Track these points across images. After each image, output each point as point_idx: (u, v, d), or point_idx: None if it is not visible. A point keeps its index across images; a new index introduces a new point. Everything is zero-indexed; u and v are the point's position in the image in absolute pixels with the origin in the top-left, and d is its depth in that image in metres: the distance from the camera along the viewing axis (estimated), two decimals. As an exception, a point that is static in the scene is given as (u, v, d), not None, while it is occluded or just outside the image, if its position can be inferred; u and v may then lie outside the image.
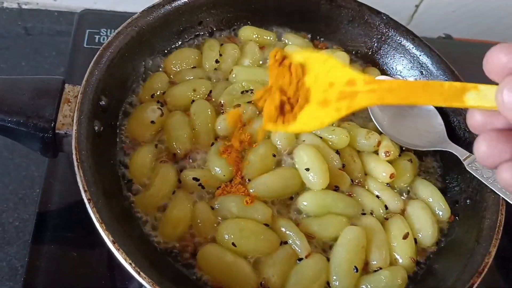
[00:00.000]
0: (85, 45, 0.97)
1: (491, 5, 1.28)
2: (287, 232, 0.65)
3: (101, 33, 0.99)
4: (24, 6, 1.10)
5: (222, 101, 0.74)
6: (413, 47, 0.82)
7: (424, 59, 0.81)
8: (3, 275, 0.75)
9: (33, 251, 0.74)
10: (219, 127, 0.72)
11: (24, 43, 1.05)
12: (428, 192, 0.72)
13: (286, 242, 0.64)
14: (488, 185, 0.66)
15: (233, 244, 0.62)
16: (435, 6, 1.27)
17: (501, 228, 0.64)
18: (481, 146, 0.43)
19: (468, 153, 0.70)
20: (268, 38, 0.86)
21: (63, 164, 0.83)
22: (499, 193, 0.65)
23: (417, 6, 1.26)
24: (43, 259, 0.74)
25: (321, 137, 0.73)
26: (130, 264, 0.53)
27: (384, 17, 0.84)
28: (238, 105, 0.74)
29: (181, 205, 0.65)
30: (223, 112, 0.73)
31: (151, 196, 0.65)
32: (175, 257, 0.63)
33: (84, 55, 0.95)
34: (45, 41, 1.05)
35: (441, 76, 0.79)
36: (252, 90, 0.75)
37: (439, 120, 0.76)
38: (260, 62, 0.83)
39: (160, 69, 0.79)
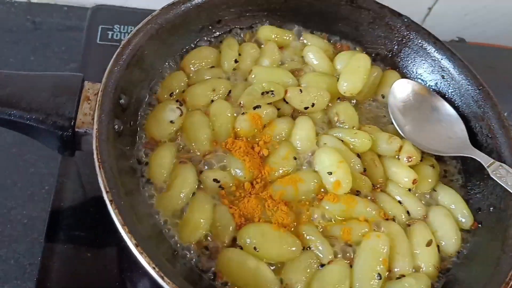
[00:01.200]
0: (98, 41, 0.95)
1: (504, 9, 1.27)
2: (310, 237, 0.63)
3: (114, 29, 0.98)
4: (32, 0, 1.08)
5: (242, 102, 0.73)
6: (434, 51, 0.81)
7: (446, 63, 0.80)
8: (11, 273, 0.74)
9: (46, 250, 0.73)
10: (239, 128, 0.71)
11: (33, 37, 1.03)
12: (451, 198, 0.71)
13: (308, 247, 0.63)
14: None
15: (254, 248, 0.61)
16: (448, 9, 1.26)
17: (528, 238, 0.63)
18: None
19: (492, 160, 0.69)
20: (287, 38, 0.84)
21: (76, 163, 0.81)
22: None
23: (430, 9, 1.25)
24: (56, 258, 0.73)
25: (342, 140, 0.72)
26: (154, 268, 0.52)
27: (405, 20, 0.82)
28: (259, 106, 0.72)
29: (201, 207, 0.64)
30: (243, 113, 0.72)
31: (171, 197, 0.64)
32: (195, 260, 0.62)
33: (97, 51, 0.94)
34: (55, 36, 1.04)
35: (463, 81, 0.78)
36: (272, 91, 0.74)
37: (461, 125, 0.75)
38: (279, 63, 0.82)
39: (179, 68, 0.77)
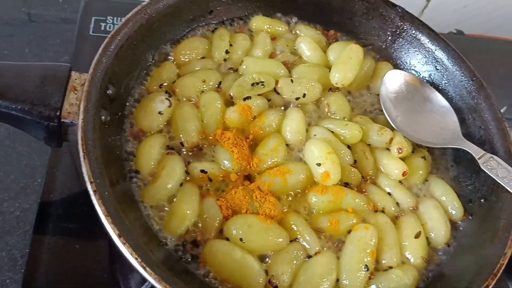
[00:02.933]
0: (91, 33, 0.95)
1: (503, 1, 1.26)
2: (297, 228, 0.63)
3: (108, 21, 0.97)
4: (28, -7, 1.08)
5: (231, 93, 0.72)
6: (428, 41, 0.80)
7: (440, 54, 0.79)
8: (3, 265, 0.74)
9: (34, 242, 0.73)
10: (228, 119, 0.70)
11: (28, 30, 1.03)
12: (441, 190, 0.71)
13: (295, 239, 0.63)
14: (504, 185, 0.64)
15: (241, 239, 0.60)
16: (446, 1, 1.24)
17: (518, 229, 0.62)
18: None
19: (483, 152, 0.68)
20: (280, 29, 0.83)
21: (66, 154, 0.81)
22: None
23: (428, 1, 1.24)
24: (45, 250, 0.73)
25: (332, 132, 0.72)
26: (136, 259, 0.52)
27: (400, 10, 0.81)
28: (249, 98, 0.72)
29: (188, 199, 0.63)
30: (233, 105, 0.71)
31: (158, 188, 0.64)
32: (181, 251, 0.62)
33: (90, 43, 0.94)
34: (50, 29, 1.03)
35: (456, 72, 0.77)
36: (262, 82, 0.73)
37: (453, 117, 0.75)
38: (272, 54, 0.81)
39: (169, 59, 0.77)
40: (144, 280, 0.63)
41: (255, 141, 0.70)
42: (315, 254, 0.62)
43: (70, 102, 0.62)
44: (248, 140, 0.69)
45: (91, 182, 0.55)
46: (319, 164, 0.66)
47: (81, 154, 0.56)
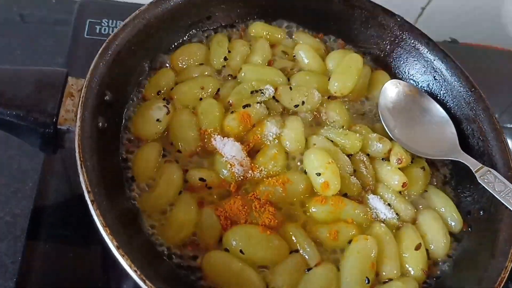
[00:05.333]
0: (85, 36, 0.93)
1: (497, 10, 1.27)
2: (297, 239, 0.62)
3: (103, 24, 0.95)
4: (20, -8, 1.06)
5: (231, 101, 0.71)
6: (427, 51, 0.80)
7: (438, 64, 0.79)
8: (-8, 272, 0.72)
9: (27, 249, 0.71)
10: (228, 127, 0.69)
11: (20, 31, 1.01)
12: (441, 201, 0.70)
13: (295, 250, 0.62)
14: (500, 199, 0.64)
15: (240, 251, 0.59)
16: (441, 10, 1.25)
17: (518, 242, 0.62)
18: None
19: (481, 165, 0.68)
20: (279, 36, 0.83)
21: (59, 160, 0.80)
22: (511, 208, 0.63)
23: (423, 9, 1.25)
24: (37, 257, 0.71)
25: (332, 141, 0.71)
26: (135, 271, 0.50)
27: (399, 19, 0.81)
28: (248, 105, 0.71)
29: (186, 208, 0.62)
30: (232, 112, 0.70)
31: (156, 197, 0.63)
32: (180, 263, 0.60)
33: (85, 46, 0.92)
34: (42, 30, 1.02)
35: (455, 82, 0.77)
36: (262, 90, 0.72)
37: (451, 128, 0.74)
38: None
39: (167, 65, 0.76)
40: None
41: (254, 149, 0.69)
42: (315, 265, 0.61)
43: (66, 109, 0.60)
44: (247, 148, 0.69)
45: (88, 192, 0.53)
46: (318, 174, 0.66)
47: (78, 162, 0.55)
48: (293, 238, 0.62)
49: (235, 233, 0.61)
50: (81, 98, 0.59)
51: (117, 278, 0.72)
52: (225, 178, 0.66)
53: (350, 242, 0.63)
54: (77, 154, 0.55)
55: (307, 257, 0.62)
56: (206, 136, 0.68)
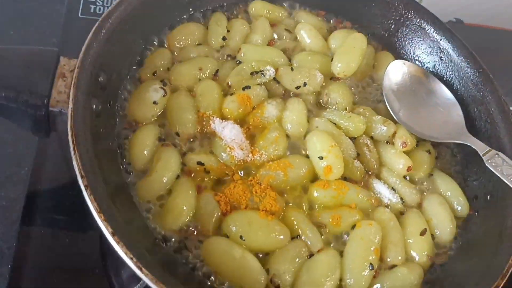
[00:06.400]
0: (79, 15, 0.90)
1: (502, -10, 1.23)
2: (298, 225, 0.60)
3: (97, 3, 0.92)
4: (12, -30, 1.02)
5: (230, 82, 0.69)
6: (433, 31, 0.77)
7: (445, 44, 0.76)
8: (-12, 257, 0.70)
9: (21, 235, 0.69)
10: (227, 109, 0.67)
11: (12, 11, 0.98)
12: (447, 185, 0.69)
13: (297, 236, 0.60)
14: (508, 183, 0.62)
15: (241, 237, 0.57)
16: (446, -12, 1.21)
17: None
18: None
19: (488, 148, 0.66)
20: (280, 14, 0.80)
21: (54, 143, 0.77)
22: None
23: (427, -12, 1.21)
24: (33, 243, 0.70)
25: (335, 124, 0.69)
26: (131, 259, 0.49)
27: (404, -3, 0.78)
28: (248, 87, 0.68)
29: (184, 193, 0.60)
30: (231, 94, 0.68)
31: (153, 182, 0.61)
32: (178, 249, 0.59)
33: (79, 26, 0.89)
34: (35, 9, 0.98)
35: (462, 63, 0.75)
36: (262, 71, 0.70)
37: (458, 110, 0.72)
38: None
39: (163, 45, 0.73)
40: (138, 278, 0.61)
41: (253, 133, 0.67)
42: (318, 251, 0.59)
43: (58, 90, 0.58)
44: (247, 131, 0.66)
45: (82, 176, 0.51)
46: (321, 158, 0.63)
47: (71, 145, 0.52)
48: (295, 223, 0.60)
49: (235, 218, 0.59)
50: (73, 79, 0.56)
51: (115, 264, 0.71)
52: (225, 162, 0.63)
53: (353, 227, 0.62)
54: (69, 137, 0.53)
55: (309, 243, 0.60)
56: (204, 119, 0.66)
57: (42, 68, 0.58)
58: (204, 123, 0.66)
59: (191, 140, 0.65)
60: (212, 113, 0.66)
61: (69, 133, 0.53)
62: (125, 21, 0.65)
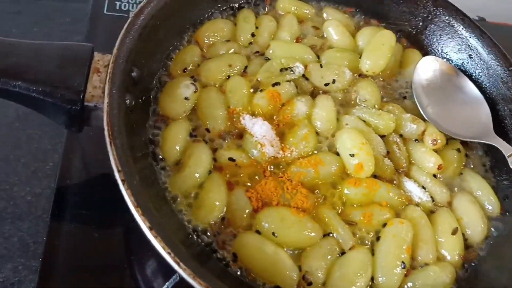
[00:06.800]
0: (105, 12, 0.91)
1: (526, -12, 1.22)
2: (330, 222, 0.60)
3: (122, 0, 0.93)
4: (36, -32, 1.03)
5: (259, 79, 0.69)
6: (462, 28, 0.77)
7: (474, 41, 0.76)
8: (14, 251, 0.71)
9: (51, 230, 0.69)
10: (257, 105, 0.67)
11: (36, 8, 0.98)
12: (477, 184, 0.68)
13: (329, 233, 0.60)
14: None
15: (273, 234, 0.57)
16: (468, -14, 1.20)
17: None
18: None
19: None
20: (307, 11, 0.80)
21: (82, 138, 0.78)
22: None
23: (449, -14, 1.20)
24: (62, 238, 0.70)
25: (364, 121, 0.68)
26: (169, 253, 0.48)
27: (433, -6, 0.78)
28: (277, 83, 0.68)
29: (216, 188, 0.60)
30: (261, 90, 0.68)
31: (186, 177, 0.61)
32: (209, 244, 0.59)
33: (104, 22, 0.90)
34: (57, 7, 0.99)
35: (492, 61, 0.74)
36: (291, 68, 0.69)
37: (485, 109, 0.72)
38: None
39: (192, 41, 0.73)
40: (168, 273, 0.61)
41: (283, 129, 0.67)
42: (350, 249, 0.59)
43: (93, 85, 0.58)
44: (276, 128, 0.66)
45: (119, 171, 0.51)
46: (352, 155, 0.63)
47: (108, 140, 0.53)
48: (326, 221, 0.60)
49: (268, 215, 0.59)
50: (108, 74, 0.56)
51: (141, 260, 0.71)
52: (255, 158, 0.63)
53: (384, 225, 0.61)
54: (106, 132, 0.53)
55: (341, 241, 0.60)
56: (234, 115, 0.66)
57: (76, 63, 0.58)
58: (234, 119, 0.66)
59: (222, 136, 0.65)
60: (242, 109, 0.66)
61: (105, 127, 0.53)
62: (156, 17, 0.65)
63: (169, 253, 0.49)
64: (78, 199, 0.73)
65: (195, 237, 0.58)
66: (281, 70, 0.69)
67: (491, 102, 0.73)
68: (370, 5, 0.82)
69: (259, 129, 0.64)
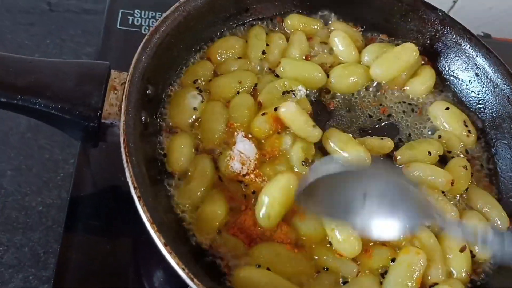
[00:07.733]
0: (118, 26, 0.92)
1: (531, 3, 1.23)
2: (326, 258, 0.61)
3: (135, 15, 0.94)
4: (48, -19, 1.05)
5: (261, 100, 0.69)
6: (469, 47, 0.78)
7: (481, 60, 0.77)
8: (25, 261, 0.72)
9: (65, 241, 0.70)
10: (256, 129, 0.67)
11: (49, 20, 1.00)
12: (484, 200, 0.68)
13: (325, 268, 0.60)
14: None
15: (267, 269, 0.57)
16: (473, 2, 1.22)
17: None
18: None
19: None
20: (316, 27, 0.81)
21: (95, 151, 0.79)
22: None
23: (454, 2, 1.21)
24: (75, 249, 0.70)
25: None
26: (183, 269, 0.50)
27: (440, 14, 0.79)
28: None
29: (217, 200, 0.62)
30: (263, 114, 0.67)
31: (192, 190, 0.62)
32: (213, 257, 0.60)
33: (117, 37, 0.91)
34: (70, 19, 1.01)
35: (498, 79, 0.75)
36: (293, 91, 0.70)
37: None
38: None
39: (205, 58, 0.75)
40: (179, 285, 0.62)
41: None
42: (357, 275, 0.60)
43: (110, 102, 0.60)
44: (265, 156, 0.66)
45: (135, 188, 0.53)
46: None
47: (124, 157, 0.54)
48: (323, 257, 0.60)
49: (262, 250, 0.59)
50: (125, 92, 0.58)
51: (150, 271, 0.72)
52: (219, 167, 0.64)
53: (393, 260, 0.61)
54: (122, 149, 0.54)
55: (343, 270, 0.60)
56: (231, 129, 0.67)
57: (94, 81, 0.60)
58: (229, 133, 0.67)
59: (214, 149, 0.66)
60: (239, 126, 0.67)
61: (122, 145, 0.55)
62: (171, 35, 0.67)
63: (183, 269, 0.50)
64: (90, 211, 0.74)
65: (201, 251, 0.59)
66: (283, 93, 0.70)
67: (499, 120, 0.74)
68: (379, 23, 0.83)
69: (241, 146, 0.65)
